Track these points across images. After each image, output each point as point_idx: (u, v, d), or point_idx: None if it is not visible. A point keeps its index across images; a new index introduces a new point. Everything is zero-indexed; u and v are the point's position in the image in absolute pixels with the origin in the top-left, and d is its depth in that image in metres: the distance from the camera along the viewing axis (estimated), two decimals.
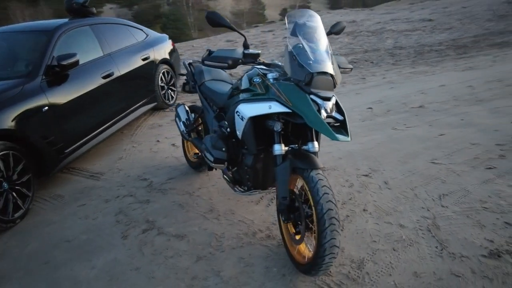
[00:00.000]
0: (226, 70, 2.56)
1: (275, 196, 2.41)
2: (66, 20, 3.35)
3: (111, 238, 2.13)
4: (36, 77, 2.64)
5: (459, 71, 5.76)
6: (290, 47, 1.58)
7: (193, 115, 2.65)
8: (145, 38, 4.24)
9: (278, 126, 1.62)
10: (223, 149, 1.90)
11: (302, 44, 1.58)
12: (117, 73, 3.43)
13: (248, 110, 1.69)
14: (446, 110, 3.96)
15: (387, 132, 3.48)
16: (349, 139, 1.53)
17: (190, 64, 2.74)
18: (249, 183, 1.94)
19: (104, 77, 3.24)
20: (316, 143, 1.72)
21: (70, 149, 2.82)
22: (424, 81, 5.27)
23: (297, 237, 1.69)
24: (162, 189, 2.64)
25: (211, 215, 2.27)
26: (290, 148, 1.72)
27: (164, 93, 4.46)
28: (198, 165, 2.78)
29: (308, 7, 40.80)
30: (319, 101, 1.54)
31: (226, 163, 1.94)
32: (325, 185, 1.50)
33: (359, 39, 10.57)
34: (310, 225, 1.60)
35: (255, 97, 1.71)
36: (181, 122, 2.60)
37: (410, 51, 7.69)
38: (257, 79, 1.76)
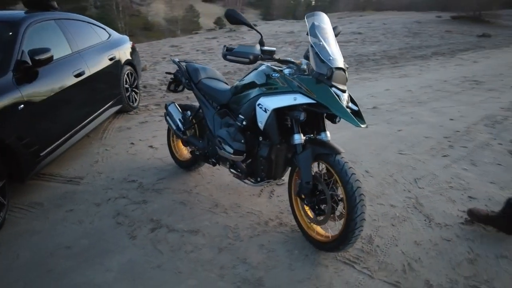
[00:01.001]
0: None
1: (274, 188, 2.53)
2: (23, 12, 3.04)
3: (117, 240, 2.02)
4: (7, 72, 2.37)
5: (396, 77, 6.56)
6: (312, 44, 1.74)
7: (189, 112, 2.64)
8: (109, 37, 4.03)
9: (302, 116, 1.75)
10: (242, 141, 1.97)
11: (322, 42, 1.75)
12: (87, 72, 3.21)
13: (272, 102, 1.80)
14: (396, 110, 4.52)
15: (352, 129, 3.80)
16: (366, 125, 1.73)
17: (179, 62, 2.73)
18: (263, 173, 2.03)
19: (76, 76, 3.02)
20: (328, 132, 1.90)
21: (45, 152, 2.56)
22: (370, 86, 5.89)
23: (320, 218, 1.83)
24: (156, 189, 2.57)
25: (218, 210, 2.29)
26: (307, 138, 1.87)
27: (129, 95, 4.27)
28: (190, 164, 2.76)
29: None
30: (338, 93, 1.71)
31: (244, 154, 2.00)
32: (351, 167, 1.68)
33: (301, 49, 11.24)
34: (333, 205, 1.77)
35: (276, 91, 1.82)
36: (177, 120, 2.56)
37: (351, 60, 8.46)
38: (276, 74, 1.88)
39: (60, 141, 2.76)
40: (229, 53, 1.84)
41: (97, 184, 2.67)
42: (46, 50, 2.57)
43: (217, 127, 2.31)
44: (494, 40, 13.57)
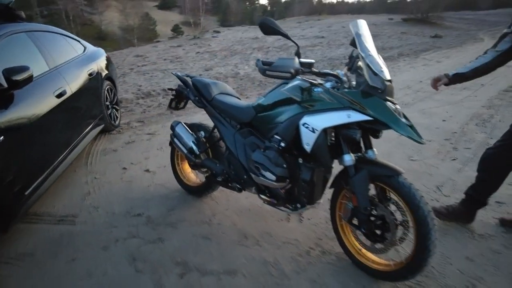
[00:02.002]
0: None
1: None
2: None
3: None
4: None
5: None
6: (363, 56, 1.57)
7: (202, 133, 2.35)
8: (84, 50, 3.61)
9: (358, 135, 1.58)
10: (284, 165, 1.74)
11: (370, 52, 1.60)
12: (69, 91, 2.80)
13: (321, 121, 1.60)
14: None
15: None
16: (424, 141, 1.59)
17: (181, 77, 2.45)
18: (304, 199, 1.82)
19: (57, 96, 2.61)
20: (375, 150, 1.75)
21: (30, 189, 2.15)
22: None
23: (379, 245, 1.66)
24: (170, 223, 2.25)
25: (249, 242, 2.04)
26: (356, 157, 1.70)
27: (110, 113, 3.86)
28: (203, 189, 2.47)
29: (199, 24, 41.48)
30: (393, 107, 1.57)
31: (287, 180, 1.78)
32: (417, 188, 1.53)
33: (271, 54, 11.23)
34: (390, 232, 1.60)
35: (323, 108, 1.63)
36: (190, 143, 2.26)
37: (325, 64, 8.53)
38: (318, 89, 1.69)
39: (45, 174, 2.35)
40: (269, 68, 1.63)
41: (96, 222, 2.30)
42: (25, 68, 2.18)
43: (240, 149, 2.07)
44: (446, 40, 14.53)
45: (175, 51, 12.36)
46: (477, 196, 2.15)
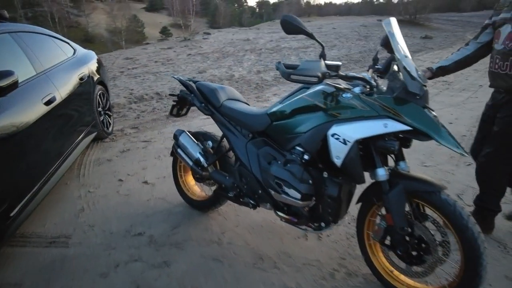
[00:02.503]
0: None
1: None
2: None
3: None
4: None
5: None
6: (399, 58, 1.41)
7: (210, 143, 2.15)
8: (74, 53, 3.36)
9: (396, 147, 1.41)
10: (310, 181, 1.56)
11: (406, 54, 1.43)
12: (58, 98, 2.56)
13: (353, 131, 1.42)
14: None
15: None
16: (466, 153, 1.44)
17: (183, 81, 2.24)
18: (330, 218, 1.63)
19: (46, 104, 2.37)
20: (407, 161, 1.58)
21: (17, 209, 1.91)
22: None
23: (417, 269, 1.49)
24: (175, 243, 2.03)
25: (266, 265, 1.84)
26: (389, 170, 1.52)
27: (102, 120, 3.61)
28: (210, 204, 2.27)
29: (188, 26, 41.19)
30: (431, 114, 1.41)
31: (313, 198, 1.59)
32: (463, 206, 1.36)
33: (264, 56, 11.04)
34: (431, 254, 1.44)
35: (354, 116, 1.45)
36: (196, 154, 2.06)
37: None
38: (347, 95, 1.51)
39: (33, 190, 2.11)
40: (293, 72, 1.44)
41: (92, 243, 2.06)
42: (9, 73, 1.95)
43: (253, 160, 1.87)
44: (436, 42, 14.63)
45: (166, 53, 12.07)
46: (485, 205, 2.07)
